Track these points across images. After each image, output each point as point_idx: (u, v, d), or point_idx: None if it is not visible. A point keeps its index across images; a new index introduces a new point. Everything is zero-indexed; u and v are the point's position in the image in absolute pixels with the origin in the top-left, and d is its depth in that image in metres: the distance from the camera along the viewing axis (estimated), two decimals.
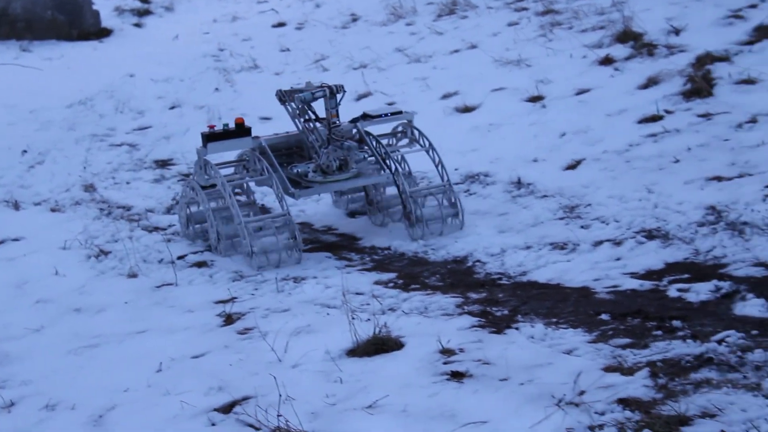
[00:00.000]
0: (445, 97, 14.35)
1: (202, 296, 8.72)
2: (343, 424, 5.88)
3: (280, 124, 14.50)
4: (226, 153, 9.93)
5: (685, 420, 5.29)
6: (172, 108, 17.23)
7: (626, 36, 14.38)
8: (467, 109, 13.60)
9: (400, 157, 10.08)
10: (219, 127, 9.70)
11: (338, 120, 9.69)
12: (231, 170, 10.02)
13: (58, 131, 16.39)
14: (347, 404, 6.14)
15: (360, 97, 15.31)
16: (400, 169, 9.82)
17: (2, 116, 17.37)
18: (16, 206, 12.41)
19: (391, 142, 10.32)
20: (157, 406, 6.54)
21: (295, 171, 9.51)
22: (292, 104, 9.81)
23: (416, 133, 10.06)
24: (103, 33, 23.76)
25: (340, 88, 9.62)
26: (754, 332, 6.30)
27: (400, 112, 10.19)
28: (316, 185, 9.52)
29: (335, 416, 6.00)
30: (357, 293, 8.19)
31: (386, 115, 10.15)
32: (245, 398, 6.41)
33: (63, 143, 15.52)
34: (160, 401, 6.60)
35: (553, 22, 16.50)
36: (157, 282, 9.25)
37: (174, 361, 7.26)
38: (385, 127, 10.40)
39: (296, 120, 9.91)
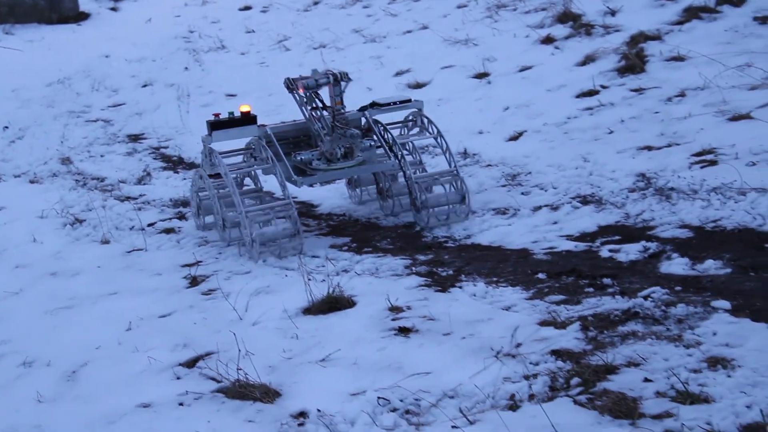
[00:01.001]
0: (399, 74, 14.36)
1: (169, 260, 8.71)
2: (299, 376, 5.89)
3: (246, 100, 14.54)
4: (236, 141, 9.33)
5: (612, 369, 5.32)
6: (145, 86, 17.18)
7: (566, 17, 14.43)
8: (419, 85, 13.62)
9: (411, 145, 9.49)
10: (224, 116, 8.86)
11: (343, 108, 8.92)
12: (240, 158, 9.26)
13: (38, 108, 16.33)
14: (302, 358, 6.15)
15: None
16: (406, 157, 9.12)
17: None
18: None
19: (402, 132, 9.61)
20: (126, 362, 6.52)
21: (299, 158, 8.80)
22: (299, 92, 9.00)
23: (425, 121, 9.34)
24: (81, 17, 23.68)
25: (344, 76, 8.88)
26: (678, 288, 6.33)
27: (409, 101, 9.38)
28: (319, 173, 8.78)
29: (291, 369, 6.00)
30: (313, 256, 8.20)
31: (395, 103, 9.30)
32: (208, 354, 6.41)
33: (42, 119, 15.48)
34: (129, 357, 6.58)
35: (498, 4, 16.53)
36: (128, 247, 9.24)
37: (143, 321, 7.25)
38: (397, 116, 9.60)
39: (303, 108, 9.13)
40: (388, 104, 9.25)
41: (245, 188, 9.45)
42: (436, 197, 8.88)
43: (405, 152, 9.13)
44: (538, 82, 12.42)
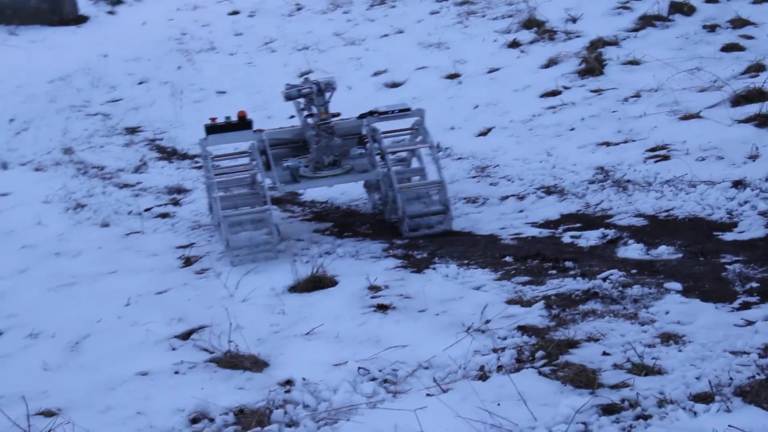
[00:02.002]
0: (376, 74, 14.34)
1: (164, 242, 8.71)
2: (285, 347, 5.89)
3: (235, 97, 14.54)
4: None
5: (573, 343, 5.35)
6: (141, 83, 17.12)
7: (531, 23, 14.45)
8: (395, 85, 13.61)
9: (411, 154, 8.92)
10: (221, 120, 8.33)
11: (329, 116, 8.25)
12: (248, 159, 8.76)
13: (41, 103, 16.25)
14: (288, 332, 6.16)
15: (302, 74, 15.25)
16: (413, 162, 8.83)
17: None
18: (5, 166, 12.32)
19: (406, 140, 8.87)
20: (125, 334, 6.52)
21: (285, 165, 8.21)
22: (299, 100, 8.40)
23: (423, 130, 8.47)
24: (80, 19, 23.53)
25: (329, 86, 8.23)
26: (633, 271, 6.36)
27: (409, 109, 8.47)
28: (303, 180, 8.19)
29: (278, 342, 6.01)
30: (298, 239, 8.20)
31: (394, 112, 8.42)
32: (201, 327, 6.40)
33: (45, 113, 15.41)
34: (128, 330, 6.58)
35: (468, 11, 16.55)
36: (126, 230, 9.23)
37: (140, 297, 7.24)
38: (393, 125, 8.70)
39: (300, 115, 8.54)
40: (387, 113, 8.45)
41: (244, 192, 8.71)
42: (419, 207, 8.28)
43: (413, 157, 8.89)
44: (505, 83, 12.44)
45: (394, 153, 8.59)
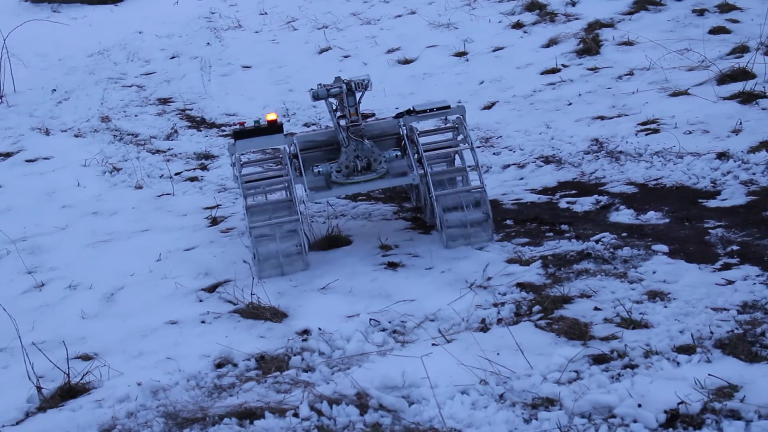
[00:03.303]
0: (390, 51, 14.27)
1: (193, 203, 8.72)
2: (302, 300, 5.92)
3: (260, 72, 14.51)
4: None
5: (567, 299, 5.37)
6: (172, 58, 17.08)
7: (533, 6, 14.35)
8: (407, 62, 13.55)
9: (453, 155, 7.52)
10: (250, 124, 7.05)
11: (359, 117, 6.97)
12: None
13: (81, 75, 16.25)
14: (306, 287, 6.18)
15: (322, 51, 15.26)
16: (455, 162, 7.53)
17: (37, 63, 17.21)
18: (47, 133, 12.33)
19: (449, 138, 7.49)
20: (156, 287, 6.56)
21: (316, 171, 6.90)
22: (330, 100, 6.98)
23: (463, 128, 7.07)
24: None
25: (360, 85, 6.91)
26: (624, 234, 6.36)
27: (449, 107, 7.10)
28: (335, 187, 6.89)
29: (296, 295, 6.04)
30: (316, 202, 8.19)
31: (432, 110, 7.04)
32: (226, 281, 6.44)
33: (85, 84, 15.41)
34: (159, 283, 6.62)
35: None
36: (158, 192, 9.26)
37: (170, 253, 7.28)
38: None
39: (333, 115, 7.07)
40: (426, 111, 7.06)
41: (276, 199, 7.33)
42: (457, 217, 6.77)
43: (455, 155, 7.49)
44: (509, 61, 12.37)
45: (433, 151, 7.21)
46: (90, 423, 4.58)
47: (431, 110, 7.06)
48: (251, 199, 7.29)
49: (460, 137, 7.24)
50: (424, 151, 6.86)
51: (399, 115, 7.18)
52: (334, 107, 7.03)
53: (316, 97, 6.92)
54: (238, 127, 7.05)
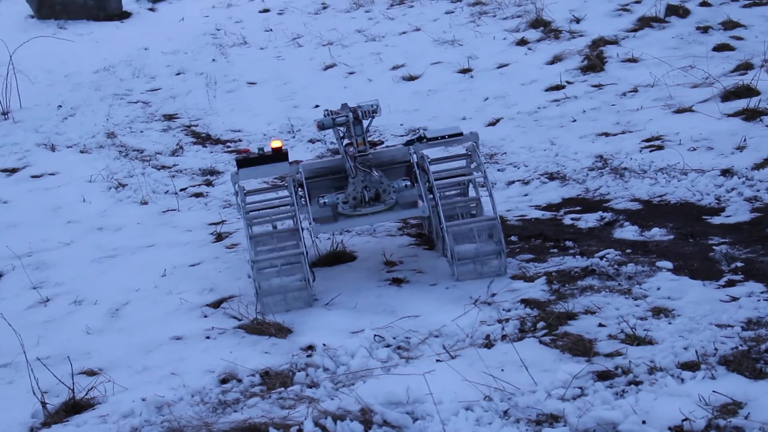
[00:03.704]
0: (394, 68, 14.30)
1: (198, 219, 8.72)
2: (307, 316, 5.91)
3: (265, 88, 14.52)
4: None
5: (572, 315, 5.36)
6: (178, 74, 17.10)
7: (538, 23, 14.39)
8: (411, 78, 13.57)
9: (468, 183, 7.15)
10: (254, 151, 6.68)
11: (367, 147, 6.48)
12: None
13: (87, 91, 16.25)
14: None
15: (327, 68, 15.29)
16: (468, 191, 7.20)
17: (43, 79, 17.20)
18: (53, 148, 12.34)
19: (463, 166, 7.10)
20: (161, 302, 6.56)
21: (322, 202, 6.49)
22: (338, 128, 6.50)
23: (478, 157, 6.69)
24: (124, 15, 23.51)
25: (367, 113, 6.44)
26: (628, 251, 6.36)
27: (461, 134, 6.73)
28: (341, 219, 6.49)
29: (301, 311, 6.03)
30: (317, 237, 8.17)
31: (445, 137, 6.67)
32: (231, 297, 6.44)
33: (90, 100, 15.41)
34: (164, 299, 6.62)
35: (481, 11, 16.49)
36: (163, 208, 9.25)
37: (175, 268, 7.28)
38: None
39: (340, 143, 6.58)
40: (437, 138, 6.68)
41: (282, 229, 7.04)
42: (468, 250, 6.36)
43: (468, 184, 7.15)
44: (513, 78, 12.40)
45: (444, 179, 6.94)
46: None
47: (443, 137, 6.71)
48: (257, 226, 7.08)
49: (473, 165, 6.93)
50: (435, 180, 6.56)
51: (409, 143, 6.78)
52: (342, 134, 6.58)
53: (321, 127, 6.50)
54: (241, 156, 6.69)
